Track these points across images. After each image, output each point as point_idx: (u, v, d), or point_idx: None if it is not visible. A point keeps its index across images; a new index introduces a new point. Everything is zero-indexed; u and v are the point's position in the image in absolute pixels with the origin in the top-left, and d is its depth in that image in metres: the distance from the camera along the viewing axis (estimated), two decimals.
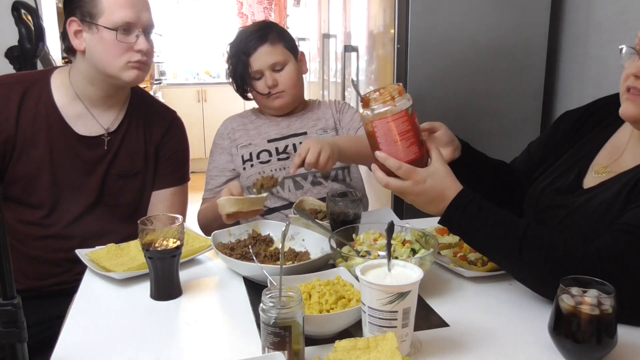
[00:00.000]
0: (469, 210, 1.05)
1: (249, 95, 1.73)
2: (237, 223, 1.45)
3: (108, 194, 1.51)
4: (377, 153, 1.08)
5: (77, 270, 1.33)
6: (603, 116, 1.26)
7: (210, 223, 1.54)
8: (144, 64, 1.43)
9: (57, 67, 1.53)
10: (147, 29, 1.42)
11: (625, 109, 1.08)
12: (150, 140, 1.56)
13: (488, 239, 1.05)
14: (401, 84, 1.09)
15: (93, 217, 1.50)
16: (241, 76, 1.67)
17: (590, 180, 1.18)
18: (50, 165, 1.45)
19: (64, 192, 1.47)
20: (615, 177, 1.12)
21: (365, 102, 1.07)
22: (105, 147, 1.49)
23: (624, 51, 1.08)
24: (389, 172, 1.07)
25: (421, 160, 1.08)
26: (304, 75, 1.76)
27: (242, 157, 1.69)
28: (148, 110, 1.59)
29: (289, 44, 1.70)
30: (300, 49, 1.79)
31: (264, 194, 1.38)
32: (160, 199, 1.58)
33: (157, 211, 1.56)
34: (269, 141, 1.70)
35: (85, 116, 1.48)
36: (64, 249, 1.45)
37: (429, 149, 1.10)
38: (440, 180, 1.06)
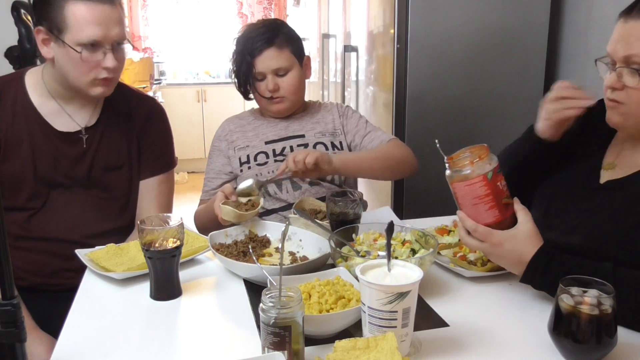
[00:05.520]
0: (548, 270, 1.03)
1: (250, 95, 1.72)
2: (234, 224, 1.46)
3: (96, 186, 1.50)
4: (458, 212, 1.10)
5: (75, 268, 1.32)
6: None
7: (206, 224, 1.54)
8: (111, 80, 1.41)
9: (30, 68, 1.51)
10: (117, 42, 1.38)
11: (610, 116, 1.13)
12: (132, 130, 1.54)
13: None
14: (486, 145, 1.08)
15: (85, 214, 1.49)
16: (244, 75, 1.66)
17: (605, 177, 1.18)
18: (32, 164, 1.43)
19: (49, 190, 1.45)
20: (634, 174, 1.12)
21: (449, 162, 1.08)
22: (85, 145, 1.47)
23: (598, 65, 1.12)
24: None
25: (503, 223, 1.07)
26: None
27: (240, 159, 1.69)
28: (126, 101, 1.56)
29: (296, 49, 1.68)
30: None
31: (259, 207, 1.41)
32: (148, 188, 1.57)
33: (145, 201, 1.56)
34: (267, 143, 1.69)
35: (61, 114, 1.46)
36: (60, 252, 1.44)
37: (516, 211, 1.08)
38: (519, 244, 1.06)
